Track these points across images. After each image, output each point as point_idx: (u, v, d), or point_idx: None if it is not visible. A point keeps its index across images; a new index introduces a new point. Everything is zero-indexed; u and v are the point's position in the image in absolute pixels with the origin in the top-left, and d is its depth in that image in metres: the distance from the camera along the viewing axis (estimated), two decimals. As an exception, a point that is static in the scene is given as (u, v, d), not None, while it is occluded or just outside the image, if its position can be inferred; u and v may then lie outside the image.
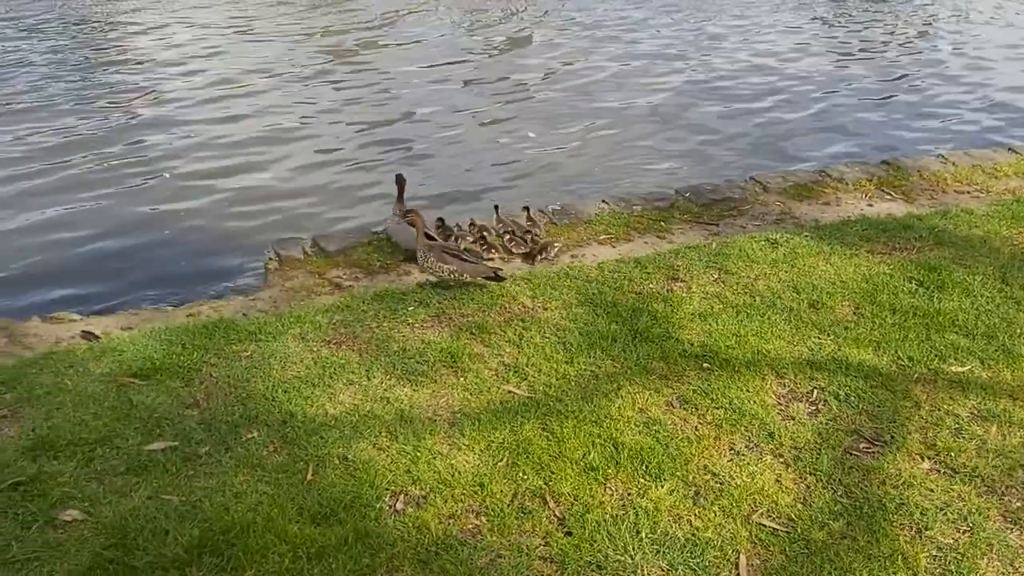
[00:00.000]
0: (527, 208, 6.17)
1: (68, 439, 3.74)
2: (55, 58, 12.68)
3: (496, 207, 6.11)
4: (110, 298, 6.24)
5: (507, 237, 5.79)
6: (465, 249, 5.47)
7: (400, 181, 5.89)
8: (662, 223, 6.30)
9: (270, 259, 5.92)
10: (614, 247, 5.94)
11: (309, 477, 3.53)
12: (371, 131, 9.88)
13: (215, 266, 6.55)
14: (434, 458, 3.62)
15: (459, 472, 3.54)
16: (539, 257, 5.61)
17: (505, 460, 3.61)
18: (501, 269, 5.26)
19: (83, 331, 5.05)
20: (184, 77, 11.83)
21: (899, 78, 12.15)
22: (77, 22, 15.20)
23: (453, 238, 5.74)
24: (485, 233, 5.86)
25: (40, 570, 3.08)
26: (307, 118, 10.23)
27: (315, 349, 4.50)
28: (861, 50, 13.77)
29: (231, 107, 10.65)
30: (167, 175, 8.53)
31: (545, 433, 3.77)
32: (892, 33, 14.90)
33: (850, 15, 15.99)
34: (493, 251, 5.76)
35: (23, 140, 9.47)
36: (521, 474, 3.53)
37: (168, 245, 7.02)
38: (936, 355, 4.43)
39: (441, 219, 5.99)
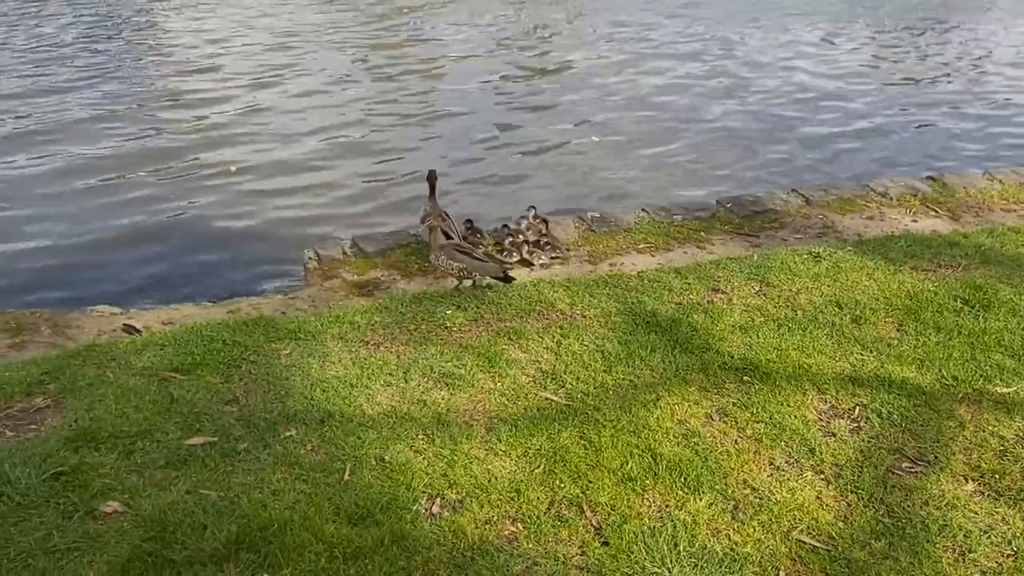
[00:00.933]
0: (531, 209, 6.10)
1: (109, 431, 3.78)
2: (101, 55, 12.82)
3: (532, 207, 6.09)
4: (150, 293, 6.33)
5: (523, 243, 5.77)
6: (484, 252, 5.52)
7: (431, 177, 5.85)
8: (702, 233, 6.26)
9: (310, 259, 5.96)
10: (653, 256, 5.90)
11: (346, 477, 3.53)
12: (416, 133, 9.91)
13: (255, 264, 6.61)
14: (471, 463, 3.61)
15: (495, 477, 3.53)
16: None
17: (542, 467, 3.59)
18: (511, 268, 5.29)
19: (124, 324, 5.12)
20: (225, 77, 11.96)
21: (943, 95, 12.01)
22: (119, 20, 15.43)
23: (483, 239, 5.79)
24: (511, 237, 5.84)
25: (80, 560, 3.11)
26: (349, 120, 10.27)
27: (354, 349, 4.52)
28: (904, 66, 13.63)
29: (272, 107, 10.75)
30: (208, 173, 8.61)
31: (582, 441, 3.74)
32: (936, 51, 14.71)
33: (894, 33, 15.81)
34: (514, 255, 5.73)
35: (61, 138, 9.58)
36: (558, 482, 3.50)
37: (209, 242, 7.09)
38: (981, 375, 4.34)
39: (470, 220, 6.01)
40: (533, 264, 5.67)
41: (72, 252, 6.98)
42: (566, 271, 5.67)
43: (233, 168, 8.74)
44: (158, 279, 6.62)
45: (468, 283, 5.20)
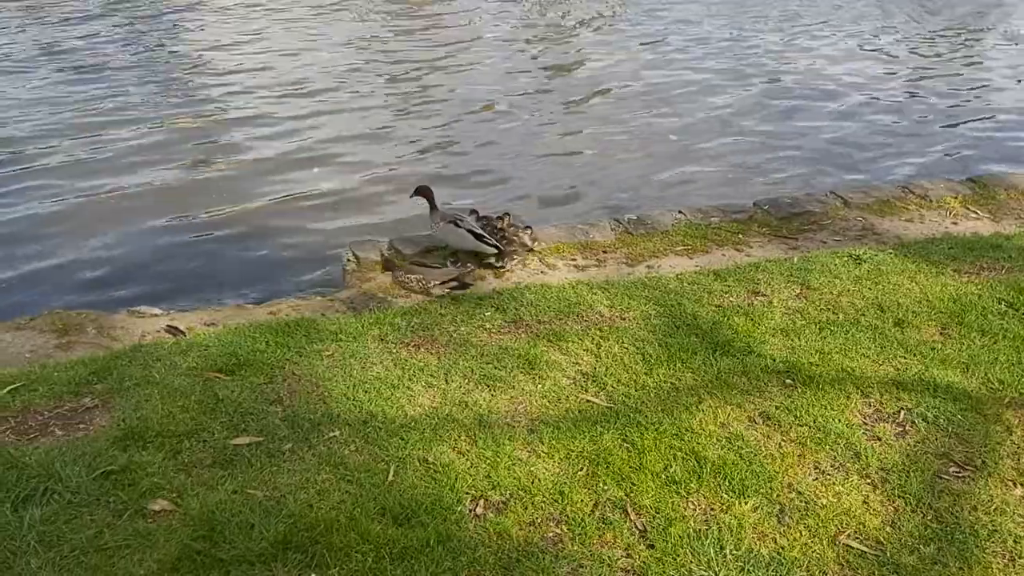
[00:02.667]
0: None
1: (157, 431, 3.83)
2: (138, 58, 12.98)
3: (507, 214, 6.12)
4: (191, 294, 6.39)
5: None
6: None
7: (424, 192, 5.87)
8: (740, 235, 6.23)
9: (348, 260, 6.01)
10: (691, 258, 5.88)
11: (390, 478, 3.55)
12: (453, 135, 9.94)
13: (294, 266, 6.65)
14: (514, 464, 3.62)
15: (539, 479, 3.53)
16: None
17: (585, 469, 3.59)
18: (470, 274, 5.35)
19: (168, 326, 5.18)
20: (262, 76, 12.04)
21: (982, 95, 11.85)
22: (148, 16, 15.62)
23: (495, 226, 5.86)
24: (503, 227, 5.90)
25: (131, 558, 3.15)
26: (387, 122, 10.29)
27: (394, 351, 4.54)
28: (942, 65, 13.46)
29: (312, 107, 10.79)
30: (245, 173, 8.70)
31: (625, 444, 3.74)
32: (972, 49, 14.52)
33: (930, 31, 15.62)
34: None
35: (104, 138, 9.71)
36: (601, 484, 3.50)
37: (248, 244, 7.15)
38: (1029, 379, 4.29)
39: (474, 210, 6.08)
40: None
41: (112, 254, 7.07)
42: (604, 273, 5.67)
43: (315, 170, 8.85)
44: (198, 281, 6.68)
45: (437, 291, 5.20)
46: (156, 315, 5.50)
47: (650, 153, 9.38)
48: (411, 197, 5.97)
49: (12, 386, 4.19)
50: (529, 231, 5.97)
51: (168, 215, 7.75)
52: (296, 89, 11.53)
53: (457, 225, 5.69)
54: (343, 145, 9.51)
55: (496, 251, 5.68)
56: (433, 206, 5.83)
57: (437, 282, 5.18)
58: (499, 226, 5.86)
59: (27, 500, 3.40)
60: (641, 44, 14.14)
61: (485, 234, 5.70)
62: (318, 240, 7.13)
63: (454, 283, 5.20)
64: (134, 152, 9.18)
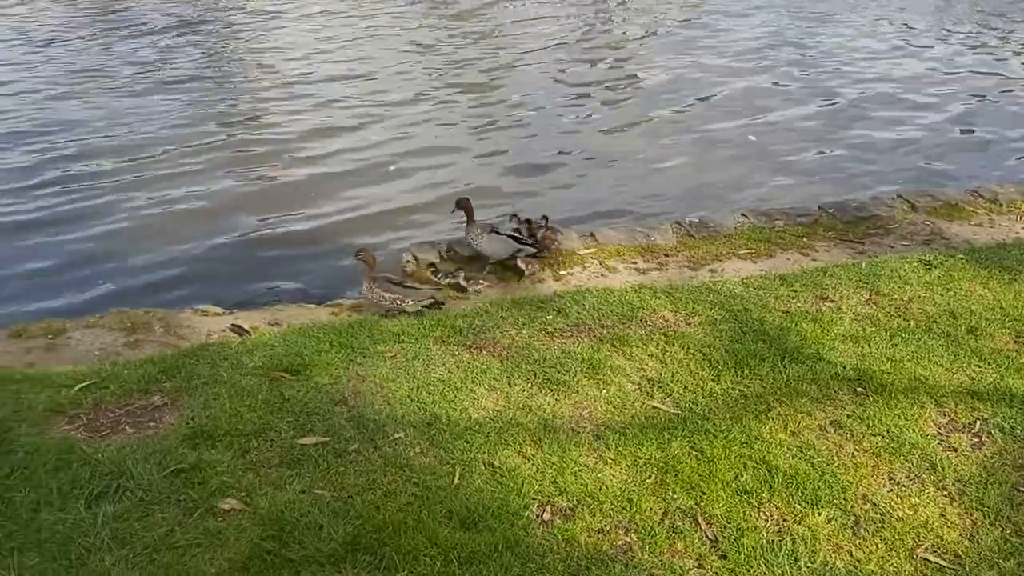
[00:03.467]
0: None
1: (225, 429, 3.86)
2: (213, 69, 13.11)
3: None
4: (253, 293, 6.45)
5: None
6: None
7: (465, 205, 5.85)
8: (805, 239, 6.11)
9: (407, 261, 6.02)
10: (755, 263, 5.79)
11: (456, 481, 3.54)
12: (507, 137, 9.88)
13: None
14: (580, 470, 3.58)
15: (606, 486, 3.49)
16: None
17: (653, 477, 3.54)
18: (437, 294, 5.31)
19: (232, 324, 5.24)
20: (335, 87, 11.97)
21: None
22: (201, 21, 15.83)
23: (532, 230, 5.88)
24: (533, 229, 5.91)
25: (202, 556, 3.18)
26: (455, 130, 10.19)
27: (456, 353, 4.53)
28: (1005, 65, 13.06)
29: (368, 109, 10.81)
30: (303, 175, 8.76)
31: (694, 452, 3.68)
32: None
33: (996, 32, 15.18)
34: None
35: (166, 139, 9.84)
36: (671, 492, 3.45)
37: (311, 247, 7.18)
38: (1111, 390, 4.13)
39: (515, 214, 6.08)
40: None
41: (176, 254, 7.16)
42: (666, 277, 5.60)
43: (391, 168, 8.91)
44: (260, 280, 6.75)
45: (412, 306, 5.20)
46: (218, 314, 5.58)
47: (710, 156, 9.23)
48: (451, 212, 5.95)
49: (84, 384, 4.26)
50: (561, 234, 6.01)
51: (234, 220, 7.81)
52: (368, 97, 11.44)
53: (498, 233, 5.70)
54: (410, 156, 9.37)
55: (535, 250, 5.71)
56: (471, 219, 5.80)
57: (413, 305, 5.18)
58: (537, 227, 5.89)
59: (100, 497, 3.45)
60: (703, 47, 13.88)
61: (522, 237, 5.74)
62: (381, 243, 7.14)
63: (431, 304, 5.22)
64: (205, 159, 9.16)
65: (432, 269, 5.78)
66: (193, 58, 12.97)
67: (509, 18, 15.81)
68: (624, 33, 15.04)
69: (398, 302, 5.19)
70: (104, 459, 3.66)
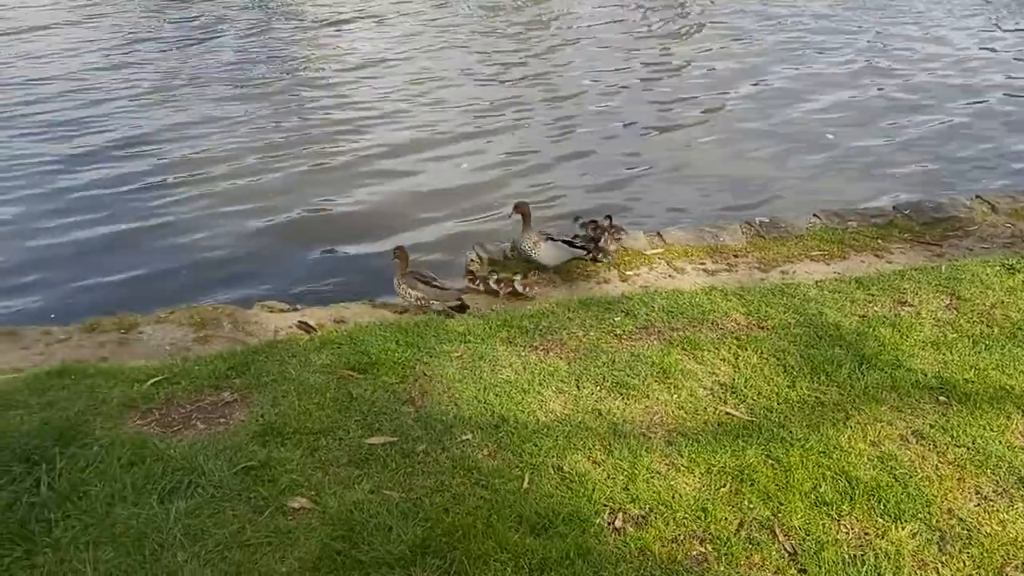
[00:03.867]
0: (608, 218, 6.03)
1: (294, 427, 3.87)
2: (283, 73, 13.21)
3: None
4: (317, 289, 6.49)
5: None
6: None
7: (523, 209, 5.77)
8: (880, 241, 5.93)
9: (472, 260, 5.99)
10: (828, 265, 5.64)
11: (525, 485, 3.49)
12: (576, 139, 9.77)
13: (417, 264, 6.63)
14: (652, 477, 3.50)
15: (679, 494, 3.41)
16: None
17: (728, 486, 3.45)
18: (465, 296, 5.27)
19: (299, 321, 5.26)
20: (379, 79, 12.09)
21: None
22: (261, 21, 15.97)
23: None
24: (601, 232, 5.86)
25: (272, 555, 3.17)
26: (516, 121, 10.18)
27: (523, 354, 4.48)
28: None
29: (434, 108, 10.76)
30: (365, 172, 8.78)
31: (770, 461, 3.57)
32: None
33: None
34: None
35: (226, 140, 9.92)
36: (746, 502, 3.35)
37: (377, 246, 7.19)
38: None
39: (578, 216, 6.08)
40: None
41: (240, 250, 7.23)
42: (736, 278, 5.48)
43: (464, 165, 8.91)
44: (324, 277, 6.78)
45: (437, 306, 5.19)
46: (283, 310, 5.61)
47: (781, 154, 9.02)
48: (509, 216, 5.88)
49: (155, 379, 4.31)
50: (625, 234, 5.97)
51: (291, 213, 7.89)
52: (439, 100, 11.43)
53: (552, 240, 5.64)
54: (464, 145, 9.46)
55: (591, 257, 5.66)
56: (527, 224, 5.72)
57: (437, 304, 5.17)
58: (602, 229, 5.86)
59: (172, 493, 3.48)
60: (763, 40, 13.64)
61: (574, 242, 5.68)
62: (442, 239, 7.13)
63: (457, 307, 5.19)
64: (279, 163, 9.22)
65: (490, 269, 5.76)
66: (264, 64, 13.04)
67: (572, 23, 15.52)
68: (696, 29, 14.74)
69: (421, 301, 5.18)
70: (176, 455, 3.69)
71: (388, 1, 16.71)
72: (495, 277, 5.53)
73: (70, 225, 7.70)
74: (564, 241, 5.67)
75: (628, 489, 3.44)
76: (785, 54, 12.97)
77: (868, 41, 13.56)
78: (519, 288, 5.41)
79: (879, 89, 11.24)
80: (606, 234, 5.81)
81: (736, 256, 5.79)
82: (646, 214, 7.37)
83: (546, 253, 5.61)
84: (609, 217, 5.95)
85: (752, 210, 7.29)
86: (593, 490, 3.43)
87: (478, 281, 5.56)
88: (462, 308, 5.24)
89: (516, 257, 5.89)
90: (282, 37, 14.63)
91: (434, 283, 5.29)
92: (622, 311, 4.88)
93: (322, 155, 9.36)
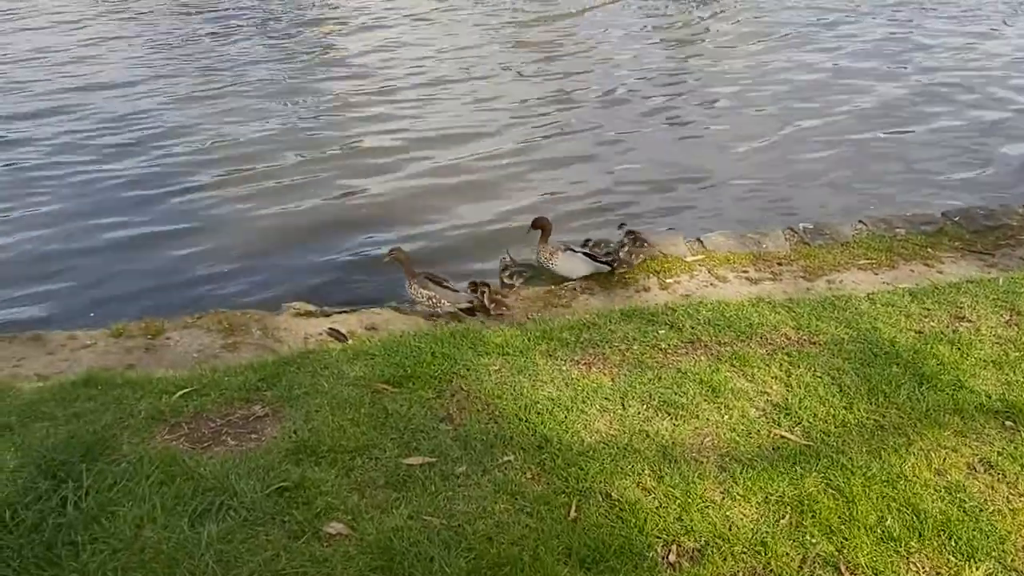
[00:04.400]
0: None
1: (328, 445, 3.71)
2: (296, 72, 13.02)
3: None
4: (345, 295, 6.31)
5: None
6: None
7: (543, 224, 5.59)
8: (929, 249, 5.71)
9: (506, 264, 5.82)
10: (876, 274, 5.42)
11: (573, 514, 3.31)
12: (610, 142, 9.50)
13: (447, 270, 6.44)
14: (707, 506, 3.32)
15: (736, 526, 3.22)
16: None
17: (788, 518, 3.26)
18: (474, 301, 5.16)
19: (330, 328, 5.12)
20: (425, 85, 11.75)
21: None
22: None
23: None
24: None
25: (309, 585, 3.03)
26: (558, 140, 9.76)
27: (564, 369, 4.31)
28: None
29: (476, 105, 10.49)
30: (398, 175, 8.59)
31: (830, 490, 3.38)
32: None
33: None
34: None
35: (251, 143, 9.76)
36: (808, 536, 3.16)
37: (404, 242, 7.02)
38: None
39: (622, 224, 6.01)
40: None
41: (264, 253, 7.07)
42: (781, 288, 5.28)
43: (506, 163, 8.74)
44: (348, 282, 6.61)
45: (449, 309, 5.15)
46: (313, 313, 5.48)
47: (820, 156, 8.73)
48: (527, 232, 5.69)
49: (184, 390, 4.17)
50: (648, 245, 5.79)
51: (320, 214, 7.75)
52: (438, 82, 11.32)
53: (573, 251, 5.47)
54: (497, 146, 9.22)
55: (610, 268, 5.47)
56: (545, 239, 5.53)
57: (448, 306, 5.08)
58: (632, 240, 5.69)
59: (204, 515, 3.33)
60: (826, 48, 13.10)
61: (597, 255, 5.53)
62: (471, 243, 6.96)
63: (467, 305, 5.10)
64: (311, 163, 9.05)
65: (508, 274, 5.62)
66: (292, 62, 12.87)
67: (619, 31, 15.06)
68: (743, 30, 14.36)
69: (433, 301, 5.10)
70: (207, 473, 3.54)
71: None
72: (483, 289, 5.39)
73: (101, 226, 7.59)
74: (585, 254, 5.48)
75: (682, 519, 3.26)
76: (840, 57, 12.52)
77: (930, 50, 13.08)
78: (485, 302, 5.24)
79: (916, 87, 10.94)
80: (626, 247, 5.61)
81: (780, 264, 5.59)
82: (681, 218, 7.14)
83: (563, 265, 5.43)
84: (622, 225, 5.78)
85: (786, 212, 7.08)
86: (645, 520, 3.25)
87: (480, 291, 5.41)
88: (472, 311, 5.13)
89: (540, 270, 5.69)
90: (303, 34, 14.46)
91: (445, 284, 5.21)
92: (666, 323, 4.69)
93: (356, 154, 9.16)
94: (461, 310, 5.17)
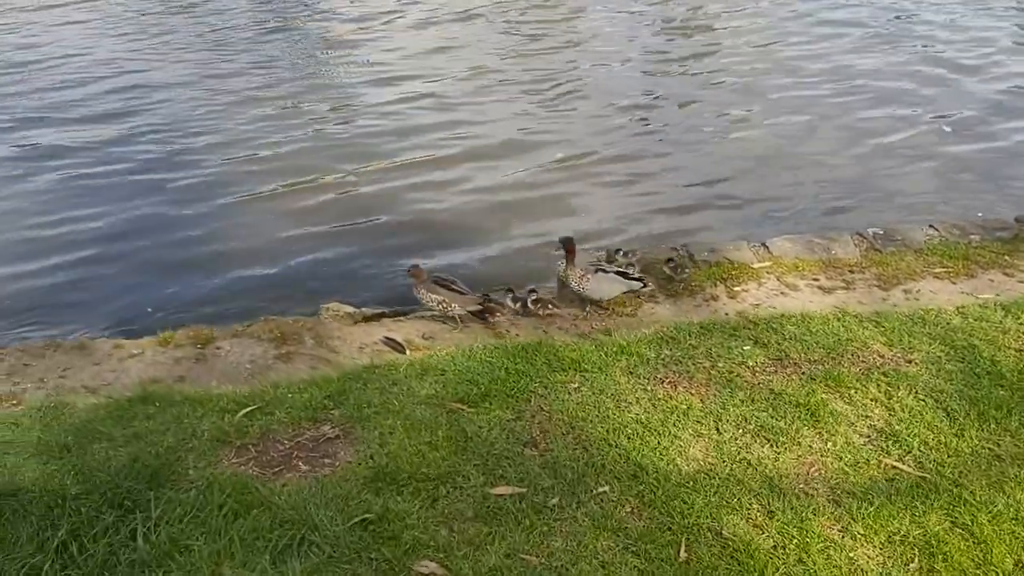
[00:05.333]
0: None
1: (408, 472, 3.49)
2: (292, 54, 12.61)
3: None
4: (386, 301, 6.01)
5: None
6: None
7: (569, 245, 5.22)
8: (1007, 257, 5.47)
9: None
10: (954, 283, 5.18)
11: (683, 555, 3.09)
12: (653, 143, 9.12)
13: (492, 276, 6.15)
14: (827, 547, 3.10)
15: (863, 570, 3.00)
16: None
17: (916, 561, 3.04)
18: (485, 302, 5.00)
19: (386, 337, 4.88)
20: (426, 79, 11.46)
21: None
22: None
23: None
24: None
25: (408, 634, 2.81)
26: (597, 150, 9.06)
27: (649, 388, 4.07)
28: None
29: (517, 115, 9.99)
30: (438, 180, 8.24)
31: (957, 529, 3.16)
32: None
33: None
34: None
35: (274, 147, 9.41)
36: (943, 583, 2.95)
37: (450, 251, 6.78)
38: None
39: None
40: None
41: (301, 258, 6.81)
42: (855, 297, 5.04)
43: (558, 153, 8.52)
44: (391, 288, 6.32)
45: (460, 312, 4.98)
46: (354, 315, 5.25)
47: (881, 160, 8.38)
48: (555, 251, 5.39)
49: (247, 408, 3.95)
50: (693, 264, 5.54)
51: (360, 216, 7.46)
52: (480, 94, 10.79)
53: (604, 271, 5.17)
54: (546, 155, 8.83)
55: (643, 285, 5.13)
56: (571, 260, 5.22)
57: (459, 309, 4.95)
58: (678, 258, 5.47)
59: (285, 551, 3.11)
60: (880, 47, 12.47)
61: (629, 272, 5.21)
62: (521, 251, 6.68)
63: (478, 308, 4.97)
64: (300, 153, 8.85)
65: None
66: (303, 66, 12.44)
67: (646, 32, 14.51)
68: (791, 30, 13.85)
69: (444, 305, 4.96)
70: (283, 503, 3.32)
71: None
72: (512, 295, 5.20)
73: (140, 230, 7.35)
74: (618, 272, 5.19)
75: (803, 562, 3.04)
76: (895, 55, 11.92)
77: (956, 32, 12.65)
78: (489, 318, 5.05)
79: (973, 85, 10.45)
80: (672, 261, 5.35)
81: (852, 271, 5.35)
82: (745, 223, 6.83)
83: (595, 287, 5.12)
84: (623, 251, 5.58)
85: (849, 214, 6.80)
86: (764, 564, 3.02)
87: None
88: (482, 313, 4.99)
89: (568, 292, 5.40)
90: (312, 37, 14.00)
91: (454, 287, 5.04)
92: (750, 338, 4.46)
93: (399, 164, 8.75)
94: (471, 312, 5.01)
